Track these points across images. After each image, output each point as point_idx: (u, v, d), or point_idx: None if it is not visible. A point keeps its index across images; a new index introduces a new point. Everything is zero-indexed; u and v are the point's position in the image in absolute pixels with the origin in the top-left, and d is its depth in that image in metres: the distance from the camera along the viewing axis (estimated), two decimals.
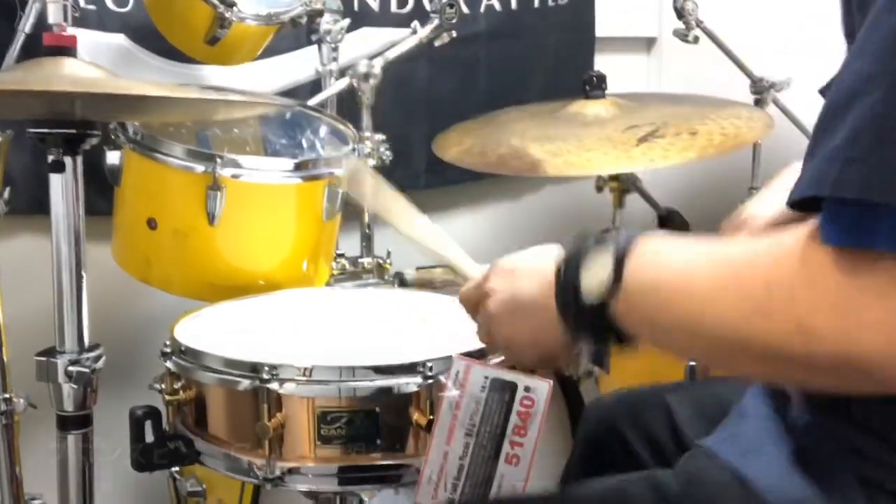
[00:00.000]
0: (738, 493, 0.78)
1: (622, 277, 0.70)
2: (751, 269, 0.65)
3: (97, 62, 1.30)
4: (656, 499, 0.83)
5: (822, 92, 0.85)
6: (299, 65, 1.89)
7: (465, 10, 2.05)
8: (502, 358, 1.15)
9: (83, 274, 1.19)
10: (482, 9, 2.13)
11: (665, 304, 0.69)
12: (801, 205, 0.63)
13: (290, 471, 1.10)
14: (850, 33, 0.70)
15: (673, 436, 1.01)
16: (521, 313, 0.81)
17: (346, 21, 1.74)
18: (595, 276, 0.71)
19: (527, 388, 1.01)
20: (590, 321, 0.73)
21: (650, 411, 1.06)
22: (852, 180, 0.59)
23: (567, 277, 0.74)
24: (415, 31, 1.76)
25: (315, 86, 1.82)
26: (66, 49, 1.16)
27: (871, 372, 0.60)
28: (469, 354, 1.05)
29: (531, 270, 0.80)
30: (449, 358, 1.05)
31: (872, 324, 0.59)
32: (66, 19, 1.18)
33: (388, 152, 1.70)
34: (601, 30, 2.35)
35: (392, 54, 1.72)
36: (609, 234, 0.73)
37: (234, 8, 1.52)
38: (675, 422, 1.02)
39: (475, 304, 0.87)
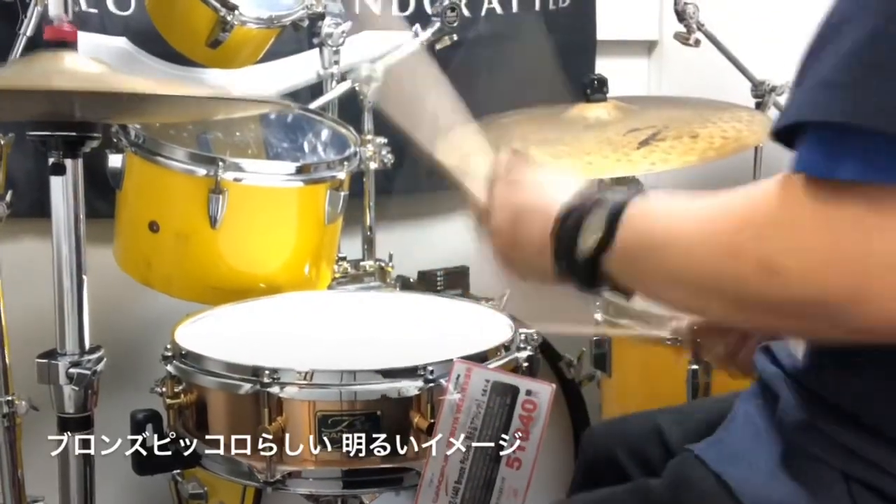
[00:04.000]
0: (722, 499, 0.78)
1: (615, 237, 0.71)
2: (726, 212, 0.64)
3: None
4: None
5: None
6: (301, 68, 1.89)
7: (466, 13, 2.05)
8: (503, 362, 1.15)
9: (84, 276, 1.18)
10: (483, 12, 2.13)
11: (652, 257, 0.69)
12: (787, 137, 0.61)
13: (291, 474, 1.10)
14: None
15: (664, 452, 1.02)
16: (520, 249, 0.82)
17: (348, 24, 1.74)
18: (591, 234, 0.73)
19: (528, 392, 1.00)
20: (583, 274, 0.74)
21: (642, 434, 1.06)
22: (837, 105, 0.56)
23: (564, 233, 0.75)
24: (416, 35, 1.76)
25: (316, 89, 1.82)
26: (67, 43, 1.14)
27: (838, 316, 0.57)
28: (470, 358, 1.05)
29: (535, 211, 0.80)
30: (450, 361, 1.05)
31: (841, 260, 0.55)
32: (66, 12, 1.17)
33: (389, 155, 1.71)
34: (602, 33, 2.35)
35: (393, 58, 1.72)
36: (607, 194, 0.74)
37: (236, 11, 1.52)
38: (665, 439, 1.03)
39: (482, 214, 0.87)
